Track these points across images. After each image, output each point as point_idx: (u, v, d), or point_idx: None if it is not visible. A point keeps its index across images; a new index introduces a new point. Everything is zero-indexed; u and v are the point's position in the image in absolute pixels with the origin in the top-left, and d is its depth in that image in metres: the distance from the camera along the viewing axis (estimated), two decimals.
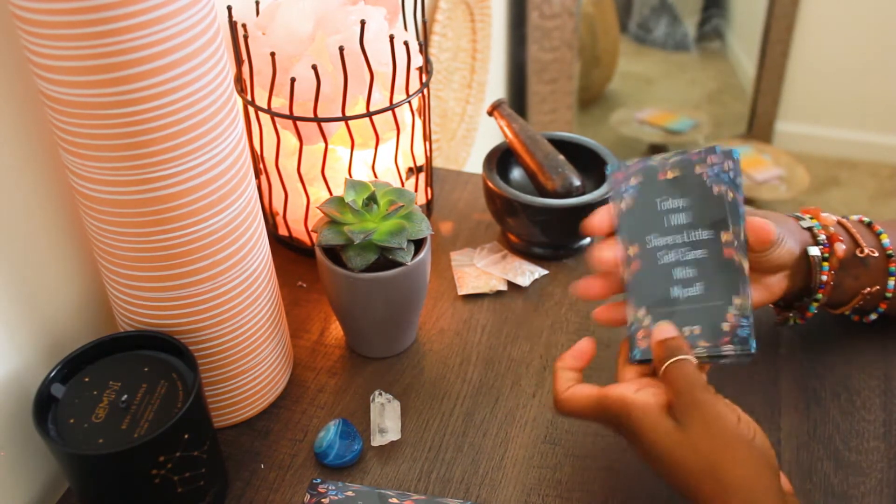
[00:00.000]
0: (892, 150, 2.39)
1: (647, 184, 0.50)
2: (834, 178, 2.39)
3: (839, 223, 0.57)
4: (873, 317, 0.58)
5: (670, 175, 0.50)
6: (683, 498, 0.45)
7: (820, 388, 0.59)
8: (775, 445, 0.55)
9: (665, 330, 0.49)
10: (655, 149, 2.37)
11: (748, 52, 2.46)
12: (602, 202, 0.67)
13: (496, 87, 1.64)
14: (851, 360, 0.60)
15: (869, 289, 0.56)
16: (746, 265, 0.49)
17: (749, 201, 2.17)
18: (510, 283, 0.70)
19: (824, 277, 0.55)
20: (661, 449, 0.45)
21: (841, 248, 0.54)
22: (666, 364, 0.47)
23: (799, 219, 0.56)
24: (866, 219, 0.57)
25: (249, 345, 0.54)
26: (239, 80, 0.64)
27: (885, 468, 0.53)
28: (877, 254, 0.55)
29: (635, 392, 0.47)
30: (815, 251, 0.54)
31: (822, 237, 0.55)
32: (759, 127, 2.43)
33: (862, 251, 0.55)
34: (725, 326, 0.49)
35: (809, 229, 0.55)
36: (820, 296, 0.55)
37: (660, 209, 0.50)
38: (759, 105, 2.40)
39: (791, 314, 0.58)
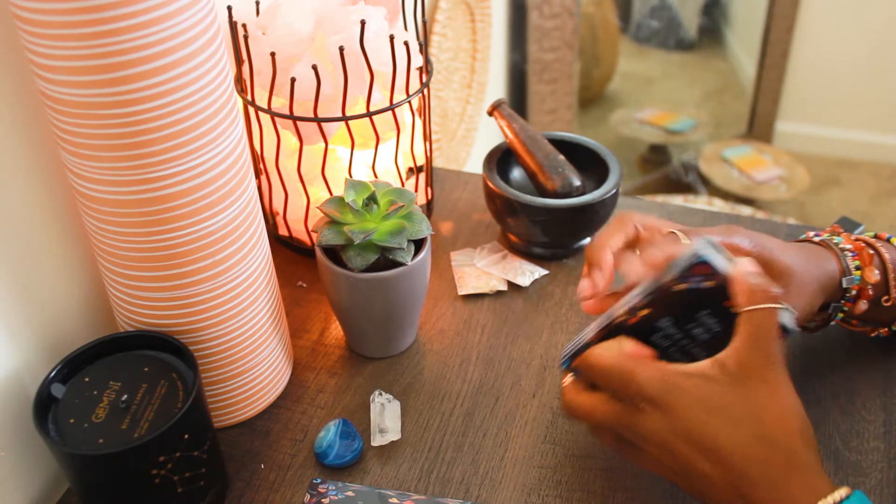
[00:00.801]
0: (892, 150, 2.39)
1: (710, 295, 0.46)
2: (834, 178, 2.39)
3: (883, 262, 0.53)
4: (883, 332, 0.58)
5: (734, 309, 0.45)
6: (701, 481, 0.42)
7: (820, 387, 0.59)
8: None
9: (758, 275, 0.44)
10: (655, 149, 2.37)
11: (748, 52, 2.46)
12: (602, 202, 0.67)
13: (496, 87, 1.64)
14: (851, 359, 0.60)
15: (876, 331, 0.56)
16: None
17: (749, 201, 2.17)
18: (510, 283, 0.70)
19: (833, 323, 0.55)
20: (710, 409, 0.41)
21: (862, 306, 0.53)
22: (760, 306, 0.42)
23: (845, 270, 0.52)
24: None
25: (249, 345, 0.54)
26: (239, 80, 0.64)
27: (885, 468, 0.53)
28: None
29: (665, 365, 0.44)
30: (836, 308, 0.53)
31: (853, 292, 0.53)
32: (759, 127, 2.43)
33: (889, 300, 0.53)
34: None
35: (846, 290, 0.52)
36: (824, 325, 0.56)
37: (697, 315, 0.47)
38: (759, 105, 2.40)
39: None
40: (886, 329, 0.58)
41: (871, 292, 0.53)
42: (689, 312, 0.47)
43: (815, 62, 2.31)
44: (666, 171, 2.34)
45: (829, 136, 2.44)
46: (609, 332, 0.49)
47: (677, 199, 2.12)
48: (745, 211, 2.10)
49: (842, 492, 0.39)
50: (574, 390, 0.48)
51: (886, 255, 0.53)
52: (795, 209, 2.26)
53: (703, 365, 0.43)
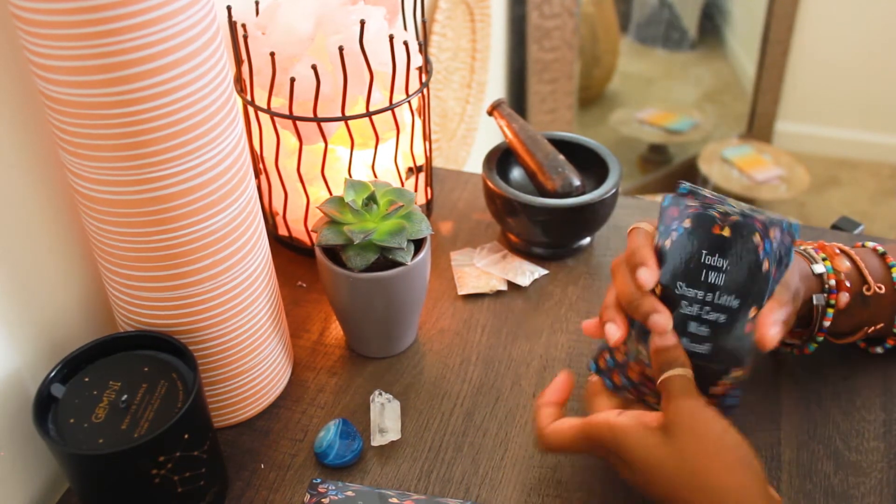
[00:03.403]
0: (892, 150, 2.39)
1: (697, 232, 0.47)
2: (834, 178, 2.39)
3: (850, 256, 0.55)
4: (879, 350, 0.59)
5: (725, 232, 0.46)
6: None
7: (820, 387, 0.59)
8: (775, 445, 0.55)
9: (666, 337, 0.48)
10: (655, 149, 2.37)
11: (748, 52, 2.46)
12: (602, 202, 0.67)
13: (496, 86, 1.64)
14: (851, 359, 0.60)
15: (873, 327, 0.56)
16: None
17: (749, 201, 2.16)
18: (510, 283, 0.70)
19: (826, 323, 0.54)
20: (649, 464, 0.44)
21: (844, 298, 0.53)
22: (664, 375, 0.47)
23: (812, 260, 0.54)
24: (881, 248, 0.56)
25: (249, 345, 0.54)
26: (239, 80, 0.64)
27: (885, 468, 0.53)
28: (883, 290, 0.54)
29: (617, 416, 0.47)
30: (819, 299, 0.53)
31: (832, 282, 0.53)
32: (759, 127, 2.43)
33: (869, 289, 0.54)
34: (716, 390, 0.49)
35: (820, 276, 0.53)
36: (820, 338, 0.56)
37: (701, 261, 0.47)
38: (759, 105, 2.40)
39: (790, 346, 0.58)
40: (893, 339, 0.58)
41: (846, 282, 0.53)
42: (692, 263, 0.47)
43: (815, 62, 2.31)
44: (666, 171, 2.34)
45: (829, 136, 2.44)
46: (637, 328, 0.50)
47: None
48: None
49: None
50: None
51: (853, 253, 0.55)
52: (795, 209, 2.26)
53: (650, 418, 0.46)
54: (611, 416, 0.47)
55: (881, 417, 0.56)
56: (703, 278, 0.47)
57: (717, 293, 0.47)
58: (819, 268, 0.54)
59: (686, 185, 0.49)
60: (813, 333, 0.55)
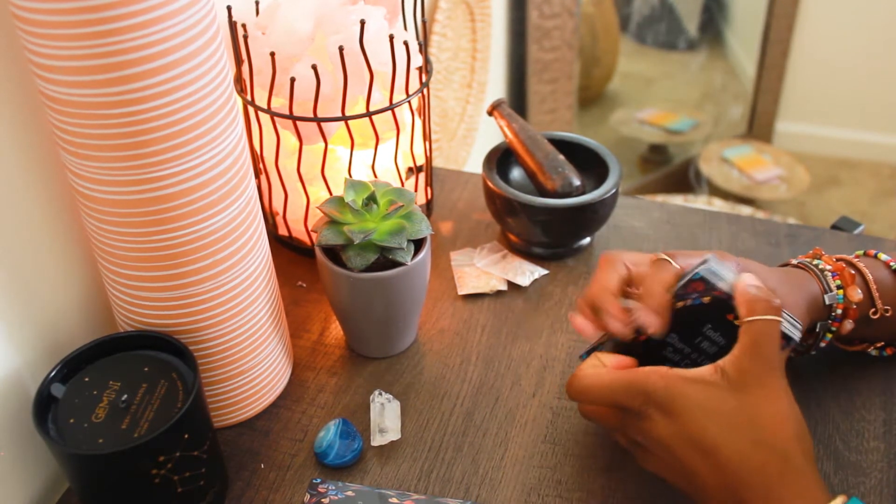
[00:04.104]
0: (892, 150, 2.39)
1: (710, 310, 0.48)
2: (834, 178, 2.39)
3: (864, 277, 0.53)
4: (874, 352, 0.59)
5: (736, 322, 0.47)
6: (703, 484, 0.43)
7: (820, 387, 0.59)
8: None
9: (760, 287, 0.45)
10: (655, 149, 2.37)
11: (748, 52, 2.46)
12: (602, 202, 0.67)
13: (496, 86, 1.64)
14: (851, 359, 0.60)
15: (872, 345, 0.57)
16: None
17: (749, 201, 2.17)
18: (510, 283, 0.70)
19: (822, 345, 0.55)
20: (707, 414, 0.42)
21: (848, 326, 0.53)
22: (760, 317, 0.44)
23: (826, 286, 0.53)
24: (894, 264, 0.55)
25: (249, 345, 0.54)
26: (239, 80, 0.64)
27: (885, 468, 0.53)
28: (890, 312, 0.53)
29: (668, 369, 0.45)
30: (823, 326, 0.54)
31: (838, 311, 0.53)
32: (759, 127, 2.43)
33: (876, 312, 0.53)
34: None
35: (829, 307, 0.53)
36: (814, 352, 0.56)
37: (702, 330, 0.49)
38: (759, 105, 2.40)
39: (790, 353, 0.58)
40: (892, 349, 0.58)
41: (856, 310, 0.53)
42: (694, 328, 0.49)
43: (815, 62, 2.31)
44: (666, 171, 2.34)
45: (829, 136, 2.44)
46: (620, 348, 0.51)
47: (677, 199, 2.12)
48: (745, 211, 2.10)
49: (838, 500, 0.40)
50: (583, 369, 0.49)
51: (868, 273, 0.54)
52: (795, 209, 2.26)
53: (705, 371, 0.44)
54: (660, 368, 0.45)
55: (881, 417, 0.56)
56: (696, 341, 0.49)
57: (702, 357, 0.50)
58: (830, 299, 0.53)
59: (702, 271, 0.48)
60: (809, 349, 0.56)
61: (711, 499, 0.43)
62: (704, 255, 0.49)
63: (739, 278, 0.47)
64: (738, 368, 0.43)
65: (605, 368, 0.48)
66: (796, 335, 0.47)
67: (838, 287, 0.53)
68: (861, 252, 0.57)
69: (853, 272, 0.54)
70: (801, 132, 2.45)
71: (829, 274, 0.53)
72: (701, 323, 0.48)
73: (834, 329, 0.54)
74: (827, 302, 0.53)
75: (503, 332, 0.65)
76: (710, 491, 0.43)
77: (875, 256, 0.56)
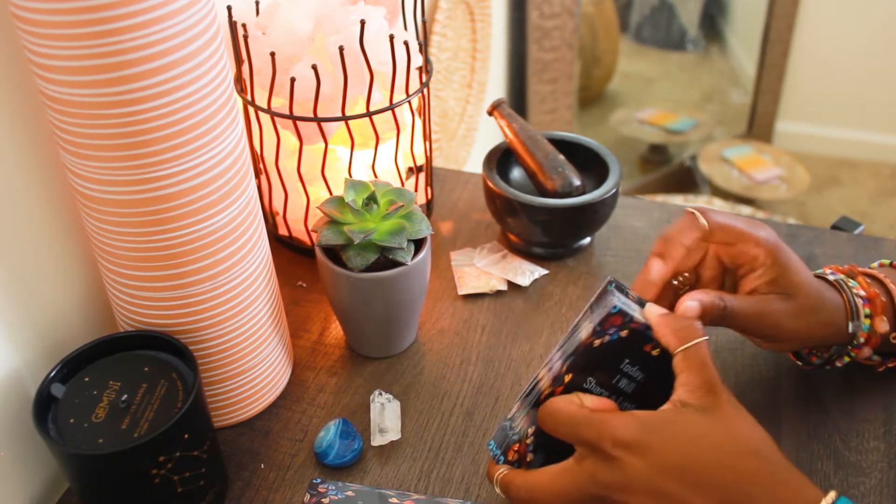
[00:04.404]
0: (892, 150, 2.39)
1: (629, 344, 0.47)
2: (834, 178, 2.39)
3: (891, 292, 0.52)
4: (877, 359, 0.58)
5: (654, 353, 0.47)
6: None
7: (820, 387, 0.59)
8: None
9: (672, 315, 0.46)
10: (655, 149, 2.37)
11: (748, 51, 2.46)
12: (602, 202, 0.67)
13: (496, 86, 1.64)
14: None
15: (884, 365, 0.56)
16: None
17: (749, 201, 2.17)
18: (510, 283, 0.70)
19: (839, 364, 0.55)
20: (690, 441, 0.41)
21: (866, 353, 0.53)
22: (691, 343, 0.44)
23: (853, 312, 0.52)
24: None
25: (249, 345, 0.54)
26: (239, 79, 0.64)
27: (885, 468, 0.53)
28: None
29: (621, 411, 0.44)
30: (839, 350, 0.54)
31: (861, 339, 0.52)
32: (759, 127, 2.43)
33: None
34: None
35: (854, 333, 0.52)
36: (828, 367, 0.56)
37: (620, 367, 0.47)
38: (759, 105, 2.40)
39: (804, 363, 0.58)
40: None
41: (877, 339, 0.52)
42: (611, 366, 0.47)
43: (815, 62, 2.31)
44: (666, 171, 2.34)
45: (829, 136, 2.44)
46: (537, 405, 0.47)
47: (677, 199, 2.12)
48: (745, 211, 2.10)
49: (831, 495, 0.40)
50: (519, 474, 0.46)
51: None
52: (795, 209, 2.26)
53: (666, 407, 0.43)
54: (623, 413, 0.43)
55: (881, 417, 0.56)
56: (614, 381, 0.48)
57: (621, 399, 0.48)
58: (856, 326, 0.52)
59: (619, 306, 0.46)
60: (823, 366, 0.56)
61: None
62: (607, 279, 0.48)
63: (647, 309, 0.47)
64: (696, 394, 0.43)
65: (577, 403, 0.45)
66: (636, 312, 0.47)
67: (867, 316, 0.52)
68: (888, 262, 0.56)
69: (885, 300, 0.52)
70: (801, 132, 2.45)
71: (861, 300, 0.52)
72: (618, 360, 0.47)
73: (853, 355, 0.54)
74: (851, 330, 0.52)
75: (503, 332, 0.65)
76: None
77: None
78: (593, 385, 0.47)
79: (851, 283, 0.53)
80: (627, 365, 0.47)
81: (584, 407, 0.45)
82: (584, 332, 0.46)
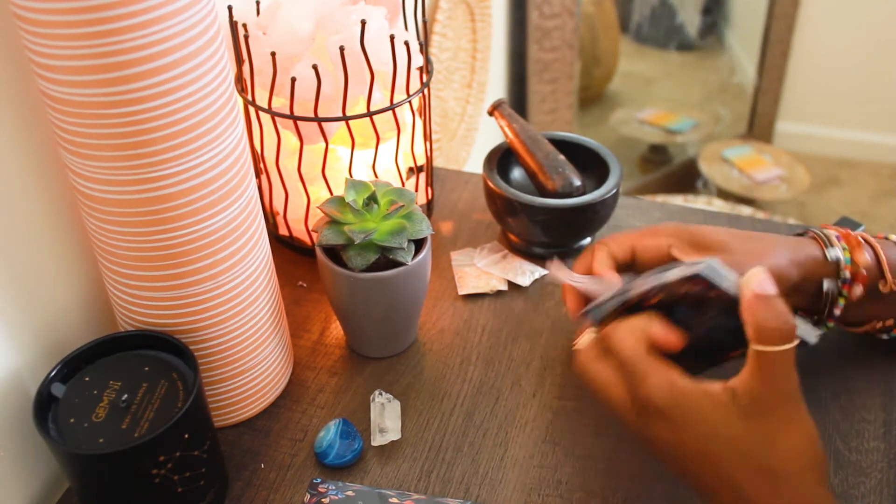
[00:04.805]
0: (892, 150, 2.40)
1: (716, 302, 0.44)
2: (834, 178, 2.39)
3: (873, 247, 0.52)
4: (885, 336, 0.58)
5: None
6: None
7: (820, 387, 0.59)
8: None
9: (770, 305, 0.40)
10: (655, 149, 2.37)
11: (748, 52, 2.46)
12: (602, 202, 0.67)
13: (496, 86, 1.64)
14: (851, 359, 0.60)
15: (882, 322, 0.56)
16: None
17: (749, 201, 2.17)
18: (510, 283, 0.70)
19: (837, 312, 0.53)
20: (715, 436, 0.40)
21: (858, 290, 0.52)
22: (774, 348, 0.39)
23: (827, 243, 0.52)
24: None
25: (249, 345, 0.54)
26: (239, 79, 0.64)
27: (885, 468, 0.53)
28: None
29: (680, 376, 0.42)
30: (831, 286, 0.52)
31: (847, 273, 0.52)
32: (759, 127, 2.43)
33: (885, 284, 0.52)
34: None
35: (836, 262, 0.52)
36: (830, 324, 0.55)
37: (712, 309, 0.45)
38: (759, 105, 2.40)
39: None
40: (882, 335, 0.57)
41: (865, 276, 0.52)
42: (702, 306, 0.45)
43: (815, 62, 2.31)
44: (666, 171, 2.34)
45: (829, 136, 2.44)
46: (627, 309, 0.47)
47: (677, 199, 2.12)
48: (746, 211, 2.10)
49: None
50: (591, 357, 0.46)
51: (878, 246, 0.53)
52: (795, 209, 2.26)
53: (715, 388, 0.41)
54: (672, 375, 0.42)
55: (881, 417, 0.56)
56: (696, 318, 0.46)
57: (697, 333, 0.46)
58: (834, 253, 0.52)
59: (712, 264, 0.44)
60: (823, 319, 0.54)
61: (716, 495, 0.41)
62: (710, 260, 0.45)
63: (745, 280, 0.41)
64: (750, 394, 0.40)
65: (638, 334, 0.44)
66: (812, 339, 0.42)
67: (844, 249, 0.52)
68: (884, 235, 0.56)
69: (860, 241, 0.53)
70: (801, 132, 2.45)
71: (834, 236, 0.52)
72: (708, 306, 0.45)
73: (845, 293, 0.52)
74: (829, 257, 0.51)
75: (503, 332, 0.65)
76: (719, 498, 0.41)
77: (885, 238, 0.55)
78: (685, 311, 0.45)
79: (825, 231, 0.54)
80: (721, 314, 0.44)
81: (642, 344, 0.43)
82: (673, 274, 0.44)
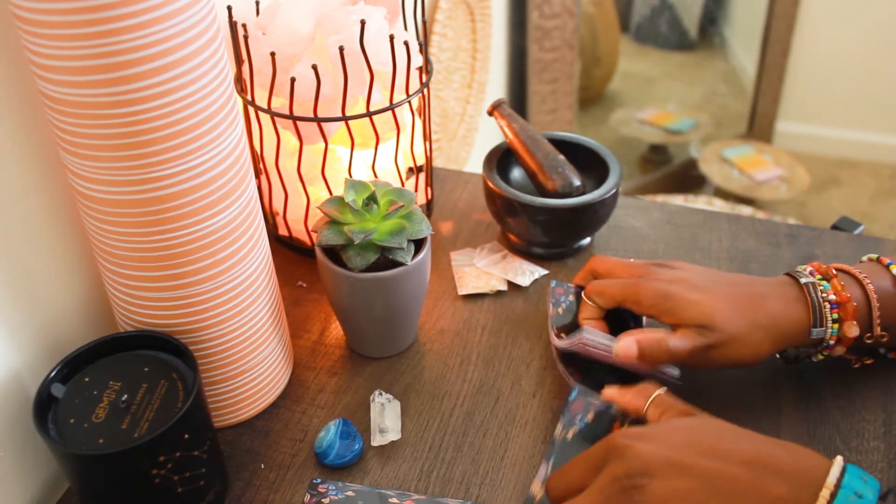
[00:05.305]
0: (892, 150, 2.40)
1: (599, 426, 0.51)
2: (834, 178, 2.39)
3: (871, 304, 0.52)
4: (882, 350, 0.58)
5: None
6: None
7: (820, 387, 0.59)
8: None
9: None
10: (655, 149, 2.37)
11: (748, 52, 2.46)
12: (602, 202, 0.67)
13: (496, 86, 1.64)
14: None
15: (860, 362, 0.58)
16: None
17: (749, 201, 2.17)
18: (510, 283, 0.70)
19: (815, 360, 0.56)
20: (689, 427, 0.44)
21: (839, 351, 0.54)
22: (651, 399, 0.48)
23: (817, 320, 0.52)
24: None
25: (249, 345, 0.54)
26: (239, 79, 0.64)
27: (885, 468, 0.53)
28: (886, 338, 0.53)
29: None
30: (807, 352, 0.56)
31: (832, 342, 0.53)
32: (759, 127, 2.43)
33: (871, 337, 0.53)
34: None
35: (820, 340, 0.53)
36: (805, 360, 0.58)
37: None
38: (759, 105, 2.40)
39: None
40: (871, 359, 0.58)
41: (850, 340, 0.53)
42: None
43: (815, 62, 2.31)
44: (666, 171, 2.34)
45: (829, 136, 2.44)
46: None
47: (677, 199, 2.12)
48: (746, 211, 2.10)
49: (838, 459, 0.40)
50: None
51: (874, 292, 0.52)
52: (795, 209, 2.26)
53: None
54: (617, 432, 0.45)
55: (881, 417, 0.56)
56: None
57: None
58: (817, 334, 0.53)
59: (577, 388, 0.52)
60: (796, 363, 0.59)
61: (744, 491, 0.39)
62: (586, 331, 0.55)
63: (604, 391, 0.51)
64: (677, 414, 0.47)
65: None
66: (676, 374, 0.54)
67: (834, 321, 0.52)
68: (875, 256, 0.55)
69: (855, 304, 0.52)
70: (801, 132, 2.45)
71: (829, 306, 0.52)
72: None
73: (826, 354, 0.55)
74: (814, 336, 0.53)
75: (503, 332, 0.65)
76: (741, 483, 0.39)
77: (887, 266, 0.54)
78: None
79: (824, 285, 0.53)
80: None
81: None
82: (558, 429, 0.51)
